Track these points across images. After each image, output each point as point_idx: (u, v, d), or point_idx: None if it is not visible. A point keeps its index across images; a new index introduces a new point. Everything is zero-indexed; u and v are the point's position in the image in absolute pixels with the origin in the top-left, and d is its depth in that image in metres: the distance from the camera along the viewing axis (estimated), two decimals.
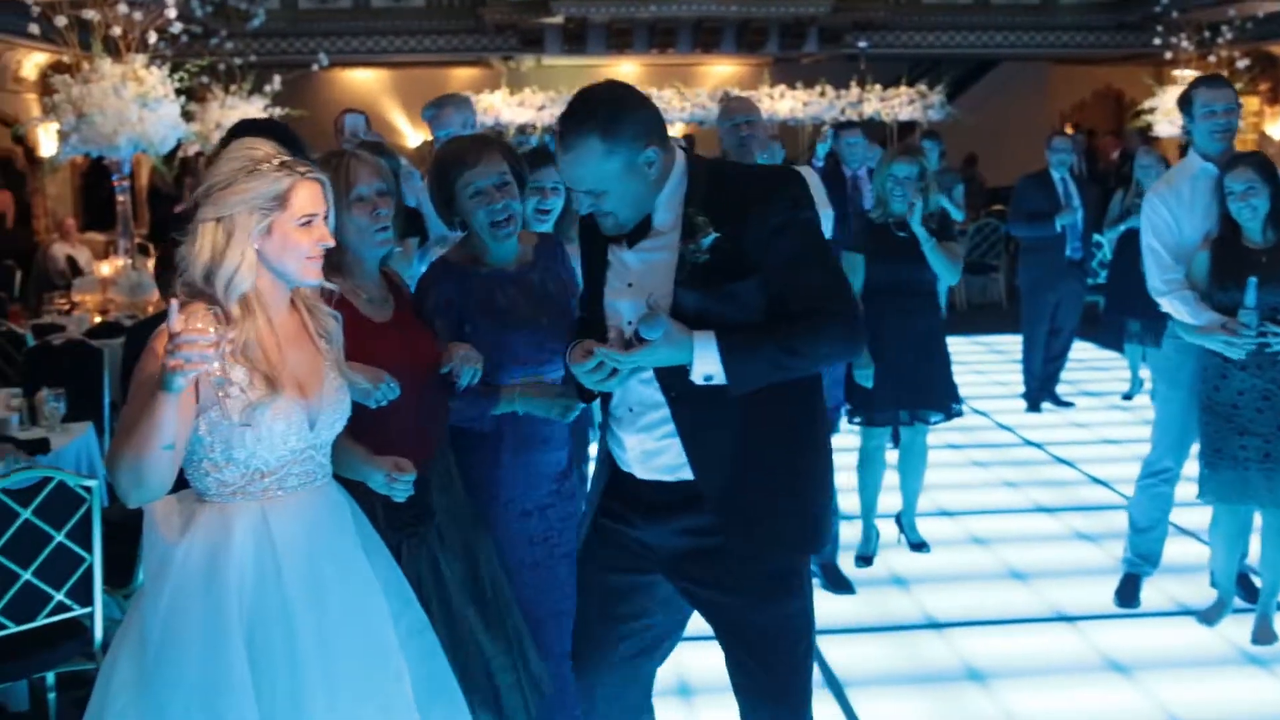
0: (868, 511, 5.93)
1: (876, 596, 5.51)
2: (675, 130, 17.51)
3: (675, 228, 2.82)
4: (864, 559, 5.87)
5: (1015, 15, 18.18)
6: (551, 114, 15.97)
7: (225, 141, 3.84)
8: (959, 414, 5.80)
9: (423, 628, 2.88)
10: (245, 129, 3.54)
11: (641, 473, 2.95)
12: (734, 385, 2.73)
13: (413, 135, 18.37)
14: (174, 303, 2.39)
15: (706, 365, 2.71)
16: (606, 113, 2.73)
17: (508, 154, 3.47)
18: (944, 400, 5.73)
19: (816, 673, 4.69)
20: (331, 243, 2.71)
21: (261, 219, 2.60)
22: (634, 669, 3.12)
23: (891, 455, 6.01)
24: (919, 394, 5.67)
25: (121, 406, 6.67)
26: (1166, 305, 4.88)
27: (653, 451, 2.91)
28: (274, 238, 2.62)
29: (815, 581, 5.57)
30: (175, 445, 2.45)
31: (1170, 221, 4.89)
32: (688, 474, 2.87)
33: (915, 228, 5.45)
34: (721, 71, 20.23)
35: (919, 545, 6.04)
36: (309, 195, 2.65)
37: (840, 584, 5.54)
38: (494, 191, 3.39)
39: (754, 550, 2.87)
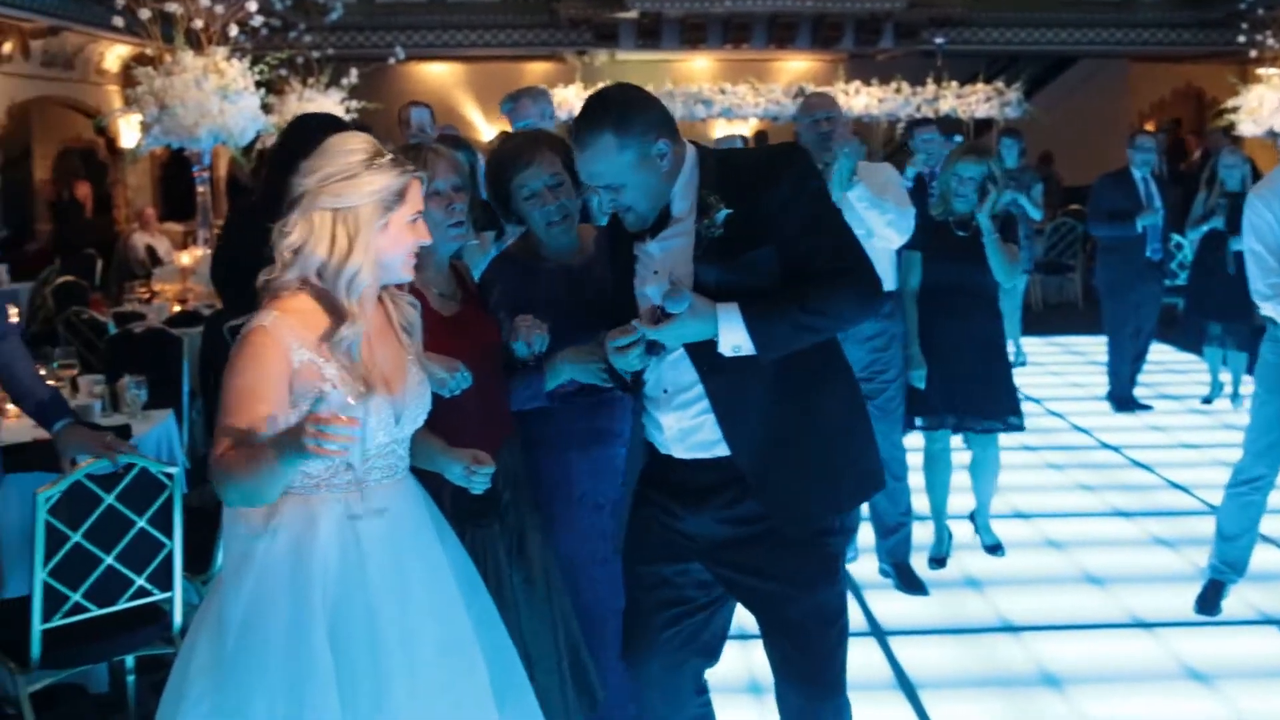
0: (938, 513, 5.87)
1: (950, 598, 5.46)
2: (748, 126, 17.47)
3: (692, 213, 2.94)
4: (937, 560, 5.81)
5: (1094, 12, 17.91)
6: None
7: (292, 134, 3.84)
8: (1018, 428, 5.63)
9: (492, 618, 2.88)
10: (323, 125, 3.54)
11: (680, 452, 3.03)
12: (761, 351, 2.81)
13: (486, 129, 18.44)
14: (349, 403, 2.44)
15: (733, 335, 2.80)
16: (618, 111, 2.85)
17: (563, 152, 3.46)
18: (1002, 411, 5.58)
19: (889, 673, 4.68)
20: (429, 240, 2.72)
21: (383, 214, 2.60)
22: (680, 658, 3.16)
23: (965, 456, 5.93)
24: (974, 401, 5.54)
25: (201, 395, 6.83)
26: (1268, 310, 4.77)
27: (689, 429, 2.99)
28: (389, 234, 2.62)
29: (888, 582, 5.54)
30: None
31: (1273, 223, 4.76)
32: (724, 450, 2.96)
33: (981, 219, 5.36)
34: (796, 67, 20.09)
35: (993, 547, 5.97)
36: (417, 193, 2.67)
37: (913, 584, 5.49)
38: (547, 193, 3.42)
39: (791, 515, 2.95)
